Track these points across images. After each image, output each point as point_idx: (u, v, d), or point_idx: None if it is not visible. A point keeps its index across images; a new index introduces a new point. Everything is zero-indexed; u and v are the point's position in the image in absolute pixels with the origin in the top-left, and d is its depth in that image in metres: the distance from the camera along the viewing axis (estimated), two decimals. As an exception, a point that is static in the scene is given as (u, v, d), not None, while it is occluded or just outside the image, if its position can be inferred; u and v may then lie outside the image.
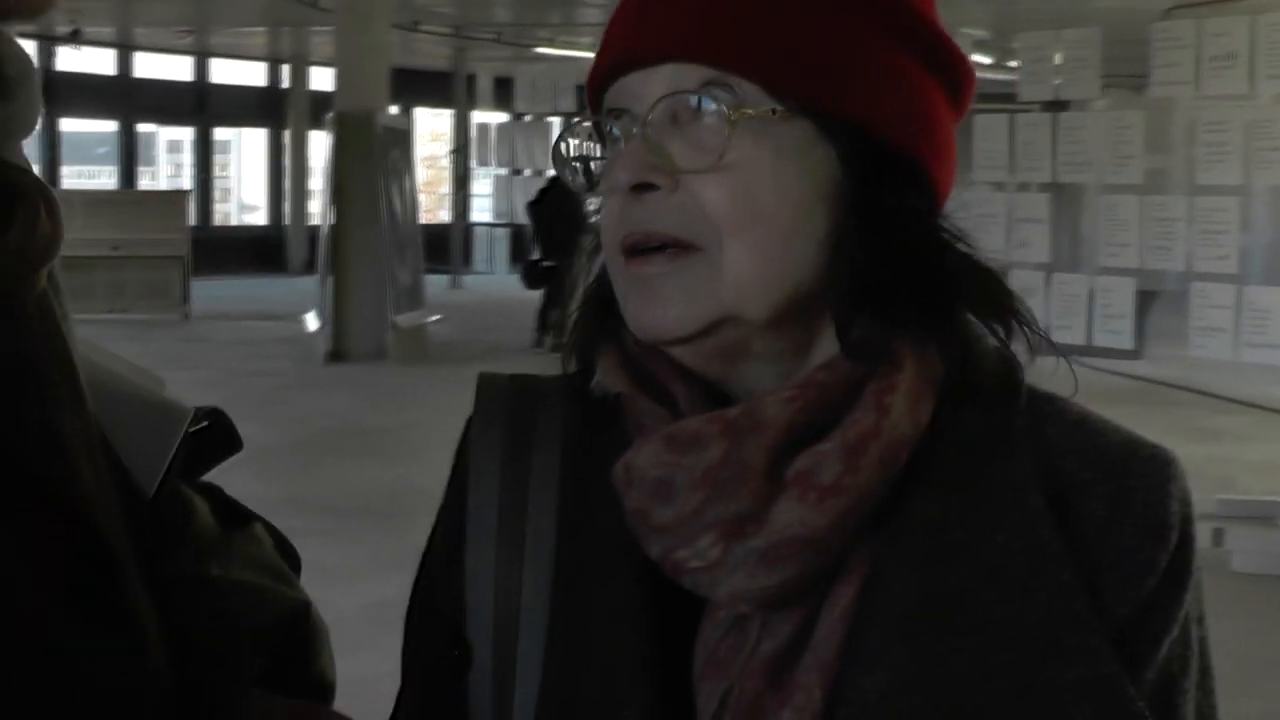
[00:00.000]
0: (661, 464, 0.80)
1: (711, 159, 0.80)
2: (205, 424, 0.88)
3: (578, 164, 0.89)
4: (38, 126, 0.75)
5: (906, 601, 0.79)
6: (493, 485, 0.88)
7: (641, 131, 0.82)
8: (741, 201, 0.81)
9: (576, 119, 0.89)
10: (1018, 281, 9.49)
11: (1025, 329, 0.85)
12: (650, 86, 0.83)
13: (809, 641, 0.80)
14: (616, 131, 0.85)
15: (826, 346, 0.84)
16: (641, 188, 0.82)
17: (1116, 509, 0.81)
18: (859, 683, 0.79)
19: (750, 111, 0.81)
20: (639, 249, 0.82)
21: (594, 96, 0.88)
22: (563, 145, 0.89)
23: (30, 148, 0.75)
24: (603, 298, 0.88)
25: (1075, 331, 9.66)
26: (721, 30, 0.81)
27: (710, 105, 0.81)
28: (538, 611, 0.85)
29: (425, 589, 0.94)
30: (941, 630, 0.78)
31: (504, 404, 0.92)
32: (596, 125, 0.88)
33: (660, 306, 0.82)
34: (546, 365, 0.96)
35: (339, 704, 1.00)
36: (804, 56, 0.82)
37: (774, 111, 0.81)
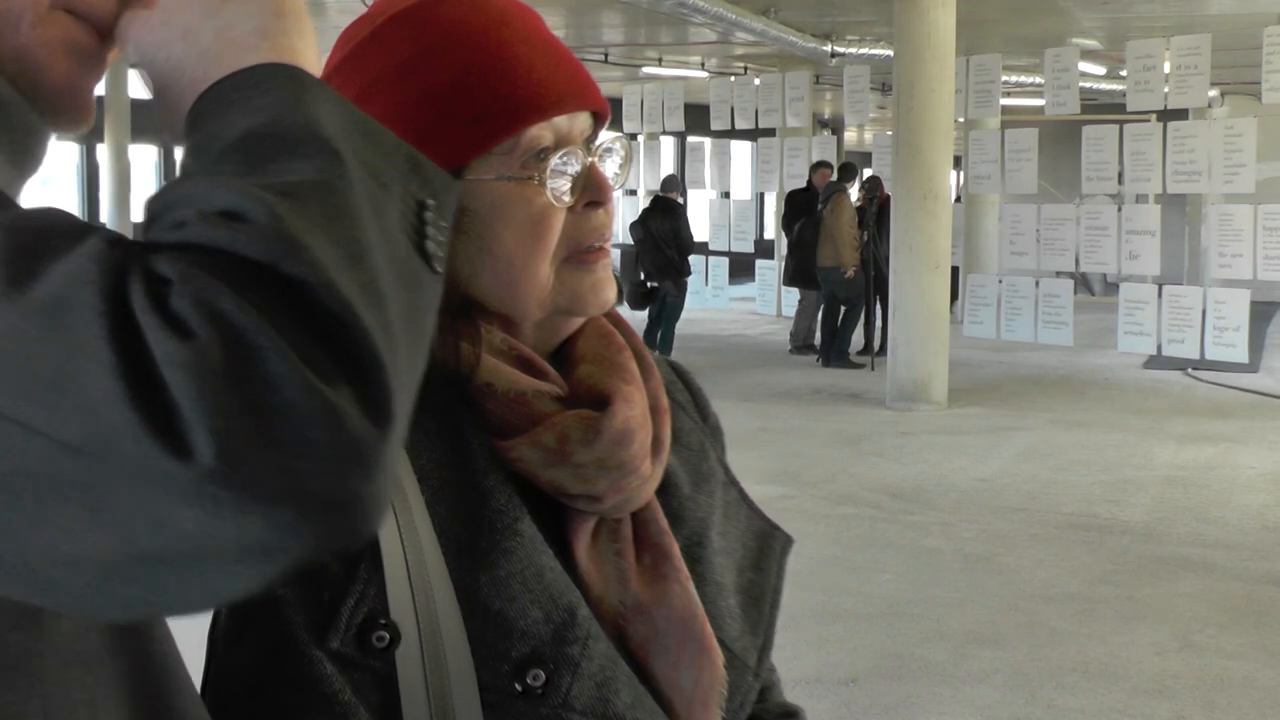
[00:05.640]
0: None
1: (620, 182, 1.12)
2: None
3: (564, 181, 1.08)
4: None
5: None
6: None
7: (595, 160, 1.09)
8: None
9: (567, 150, 1.07)
10: (1130, 294, 9.30)
11: None
12: (577, 125, 1.08)
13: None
14: (567, 158, 1.07)
15: None
16: (601, 202, 1.09)
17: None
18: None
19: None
20: (592, 248, 1.10)
21: (510, 126, 1.04)
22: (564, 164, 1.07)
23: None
24: (467, 308, 1.07)
25: (1189, 345, 9.42)
26: (597, 89, 1.11)
27: (618, 145, 1.12)
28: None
29: None
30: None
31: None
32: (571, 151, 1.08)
33: (609, 288, 1.12)
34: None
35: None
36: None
37: None
